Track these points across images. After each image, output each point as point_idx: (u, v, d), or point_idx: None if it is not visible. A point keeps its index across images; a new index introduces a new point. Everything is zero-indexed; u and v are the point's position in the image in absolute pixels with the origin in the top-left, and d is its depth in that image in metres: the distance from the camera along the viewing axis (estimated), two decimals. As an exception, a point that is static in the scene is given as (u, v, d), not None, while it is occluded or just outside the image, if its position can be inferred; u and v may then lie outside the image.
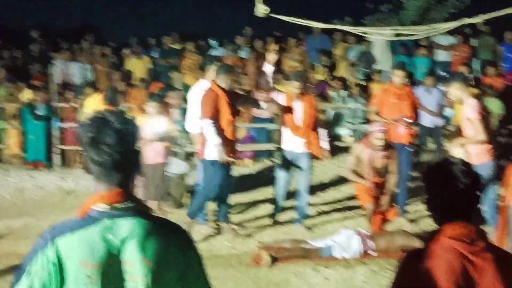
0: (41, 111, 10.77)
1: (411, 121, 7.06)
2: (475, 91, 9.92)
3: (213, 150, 6.45)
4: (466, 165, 2.08)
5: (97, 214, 1.83)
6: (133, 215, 1.84)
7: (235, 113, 6.56)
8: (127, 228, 1.82)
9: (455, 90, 6.09)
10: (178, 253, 1.87)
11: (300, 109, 6.98)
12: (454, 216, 2.03)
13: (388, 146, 6.48)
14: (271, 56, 7.21)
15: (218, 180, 6.55)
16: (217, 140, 6.37)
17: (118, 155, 1.83)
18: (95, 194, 1.89)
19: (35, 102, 10.82)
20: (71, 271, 1.78)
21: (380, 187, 6.54)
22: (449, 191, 2.03)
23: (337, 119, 11.34)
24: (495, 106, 10.03)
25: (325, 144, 7.05)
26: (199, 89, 6.90)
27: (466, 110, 6.03)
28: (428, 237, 2.09)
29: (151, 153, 7.32)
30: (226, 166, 6.58)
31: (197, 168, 10.32)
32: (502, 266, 1.98)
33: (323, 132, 7.11)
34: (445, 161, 2.09)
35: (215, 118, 6.40)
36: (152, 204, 7.27)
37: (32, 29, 13.52)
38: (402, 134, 7.09)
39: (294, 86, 6.97)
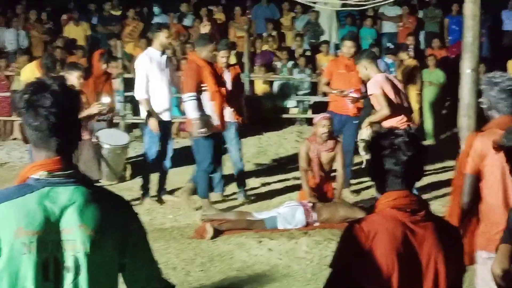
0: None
1: (357, 95, 7.06)
2: (413, 62, 10.01)
3: (196, 125, 6.26)
4: (411, 136, 2.11)
5: (35, 181, 1.79)
6: (73, 183, 1.80)
7: (220, 83, 6.38)
8: (66, 196, 1.78)
9: (362, 68, 6.19)
10: (118, 222, 1.84)
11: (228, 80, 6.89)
12: (396, 185, 2.07)
13: (332, 135, 6.38)
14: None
15: (210, 153, 6.38)
16: (195, 115, 6.20)
17: (55, 118, 1.77)
18: (33, 162, 1.83)
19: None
20: (6, 239, 1.72)
21: (324, 189, 6.43)
22: (392, 162, 2.07)
23: (283, 91, 11.22)
24: (437, 76, 10.21)
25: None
26: (146, 57, 6.70)
27: (368, 87, 6.15)
28: (370, 208, 2.11)
29: None
30: (214, 138, 6.40)
31: (144, 138, 10.10)
32: (442, 235, 2.04)
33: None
34: (389, 132, 2.14)
35: (198, 91, 6.21)
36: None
37: None
38: (349, 106, 7.11)
39: (220, 56, 6.80)
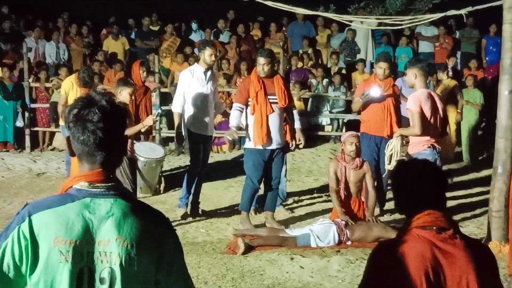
0: (11, 90, 10.47)
1: (378, 92, 6.85)
2: (452, 82, 9.93)
3: (248, 138, 6.40)
4: (427, 165, 2.18)
5: (76, 192, 1.82)
6: (113, 195, 1.82)
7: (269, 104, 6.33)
8: (105, 208, 1.80)
9: (410, 75, 6.07)
10: (155, 238, 1.84)
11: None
12: (421, 207, 2.09)
13: (359, 153, 6.32)
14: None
15: (252, 165, 6.39)
16: (232, 123, 6.36)
17: (102, 133, 1.81)
18: (77, 173, 1.87)
19: (5, 81, 10.50)
20: (44, 247, 1.75)
21: (352, 208, 6.32)
22: (413, 191, 2.11)
23: (318, 108, 11.22)
24: (475, 96, 10.08)
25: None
26: (188, 72, 6.86)
27: (409, 100, 6.07)
28: (400, 228, 2.18)
29: None
30: (265, 152, 6.35)
31: (173, 153, 10.18)
32: (473, 252, 2.02)
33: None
34: (409, 162, 2.24)
35: (245, 104, 6.34)
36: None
37: (1, 4, 13.08)
38: (383, 127, 6.95)
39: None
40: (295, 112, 6.66)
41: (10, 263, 1.76)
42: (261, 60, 6.31)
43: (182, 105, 6.76)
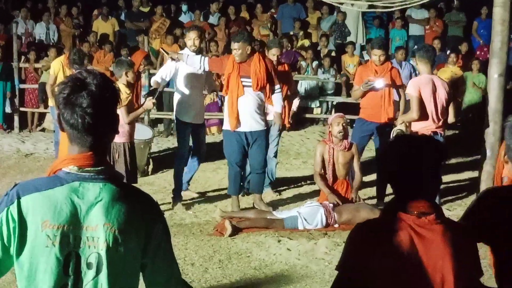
0: (0, 71, 10.37)
1: (382, 83, 6.76)
2: (459, 72, 9.77)
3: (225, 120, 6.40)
4: (426, 143, 2.08)
5: (65, 175, 1.80)
6: (102, 180, 1.81)
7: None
8: (94, 193, 1.79)
9: (416, 61, 6.13)
10: (143, 223, 1.83)
11: None
12: (407, 191, 2.07)
13: (347, 135, 6.36)
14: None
15: (229, 148, 6.39)
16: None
17: (91, 118, 1.78)
18: (66, 155, 1.85)
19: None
20: (31, 230, 1.74)
21: (340, 190, 6.35)
22: (400, 168, 2.06)
23: (307, 91, 11.20)
24: (481, 80, 9.97)
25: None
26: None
27: (409, 85, 6.09)
28: (383, 209, 2.15)
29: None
30: (239, 134, 6.31)
31: (162, 134, 10.13)
32: (452, 238, 2.02)
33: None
34: (405, 137, 2.15)
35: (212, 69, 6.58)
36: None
37: None
38: (380, 112, 6.85)
39: (272, 54, 6.95)
40: (278, 94, 6.47)
41: None
42: (233, 45, 6.26)
43: (160, 80, 6.62)
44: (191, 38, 6.62)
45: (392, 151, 2.11)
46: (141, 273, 1.90)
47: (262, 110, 6.43)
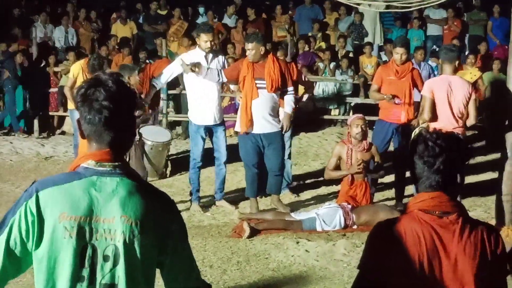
0: (21, 75, 10.50)
1: (398, 101, 6.75)
2: (478, 74, 9.65)
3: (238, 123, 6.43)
4: (446, 139, 2.05)
5: (83, 170, 1.84)
6: (119, 174, 1.84)
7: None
8: (111, 186, 1.82)
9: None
10: (159, 219, 1.85)
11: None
12: (427, 187, 2.05)
13: (366, 136, 6.31)
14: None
15: (244, 150, 6.40)
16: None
17: (108, 112, 1.81)
18: (86, 153, 1.89)
19: (18, 66, 10.53)
20: (49, 223, 1.77)
21: (360, 192, 6.25)
22: (422, 163, 2.04)
23: (325, 92, 11.16)
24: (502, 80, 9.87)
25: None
26: (186, 56, 6.73)
27: (424, 85, 6.08)
28: (403, 210, 2.16)
29: None
30: (253, 136, 6.32)
31: (180, 137, 10.17)
32: (473, 239, 1.99)
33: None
34: (426, 133, 2.09)
35: (230, 80, 6.62)
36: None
37: None
38: (399, 114, 6.80)
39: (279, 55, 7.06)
40: (290, 95, 6.45)
41: (17, 238, 1.79)
42: (247, 45, 6.27)
43: (166, 81, 6.83)
44: (204, 40, 6.55)
45: (415, 148, 2.08)
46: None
47: (276, 112, 6.43)
